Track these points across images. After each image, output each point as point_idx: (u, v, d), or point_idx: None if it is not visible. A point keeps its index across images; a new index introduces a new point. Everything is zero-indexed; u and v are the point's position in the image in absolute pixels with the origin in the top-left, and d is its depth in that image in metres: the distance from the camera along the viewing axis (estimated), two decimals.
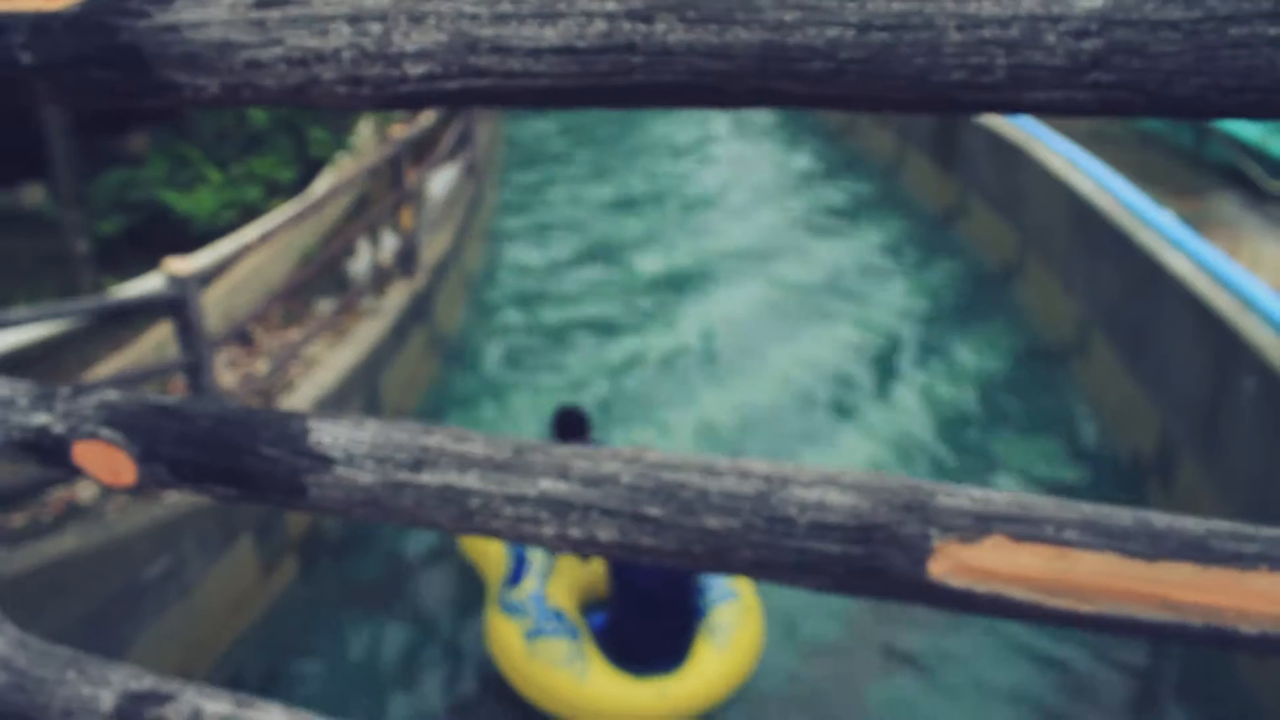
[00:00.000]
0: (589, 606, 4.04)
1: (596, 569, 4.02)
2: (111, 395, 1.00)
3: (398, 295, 5.78)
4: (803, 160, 11.68)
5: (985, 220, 8.41)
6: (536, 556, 3.96)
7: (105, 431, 0.98)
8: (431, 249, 6.62)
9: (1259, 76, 0.57)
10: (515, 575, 3.90)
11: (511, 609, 3.81)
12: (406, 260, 6.00)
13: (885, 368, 6.50)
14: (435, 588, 4.53)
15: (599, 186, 10.89)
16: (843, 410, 5.96)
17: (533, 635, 3.69)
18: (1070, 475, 5.29)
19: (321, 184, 6.88)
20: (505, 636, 3.76)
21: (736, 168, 11.54)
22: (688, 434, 5.73)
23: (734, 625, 3.73)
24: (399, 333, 5.54)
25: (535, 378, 6.38)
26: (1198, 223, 5.61)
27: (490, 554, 4.14)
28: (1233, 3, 0.57)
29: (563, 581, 3.91)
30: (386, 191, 6.43)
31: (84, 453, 0.99)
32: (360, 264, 6.47)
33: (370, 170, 5.87)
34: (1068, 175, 6.64)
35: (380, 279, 5.77)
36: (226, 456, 0.93)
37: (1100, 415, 5.80)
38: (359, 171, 5.68)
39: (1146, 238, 5.42)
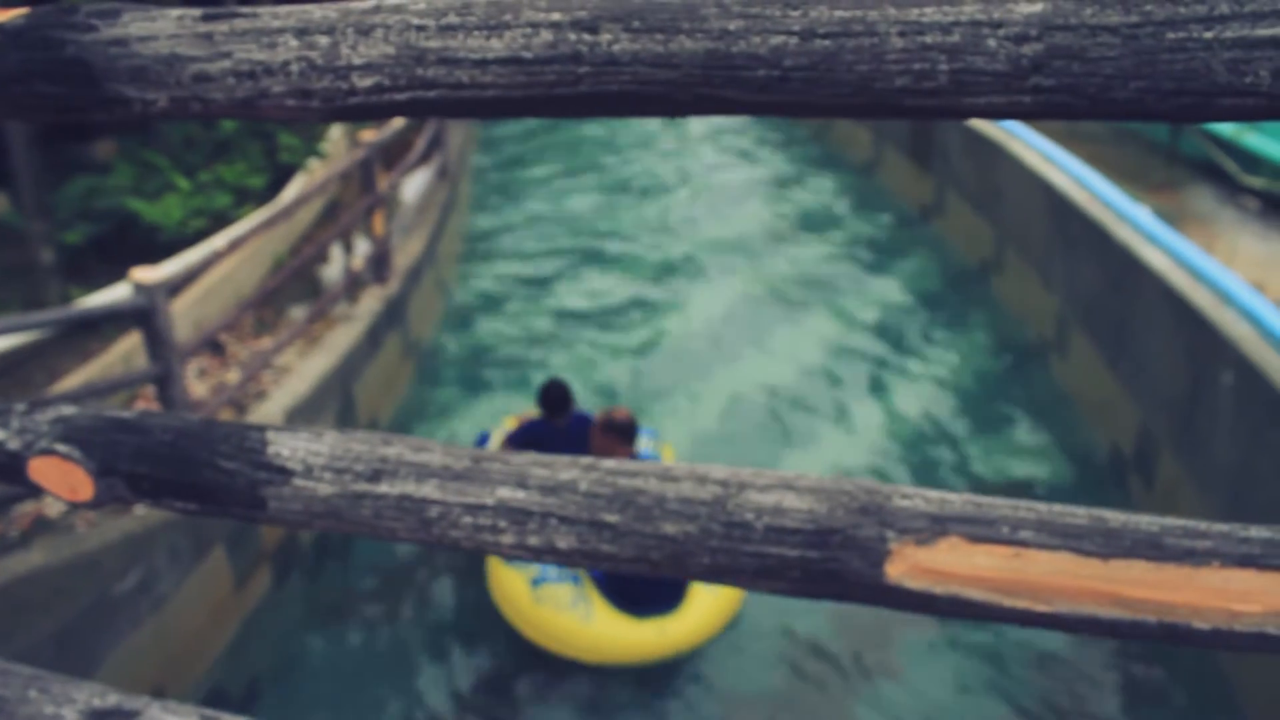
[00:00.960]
0: None
1: None
2: (68, 410, 0.99)
3: (371, 301, 5.74)
4: (779, 158, 11.70)
5: (962, 217, 8.44)
6: None
7: (61, 447, 0.97)
8: (405, 254, 6.58)
9: (1195, 80, 0.57)
10: None
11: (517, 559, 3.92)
12: (380, 266, 5.96)
13: (862, 366, 6.49)
14: (418, 584, 4.50)
15: (574, 188, 10.86)
16: (819, 409, 5.96)
17: (537, 583, 3.93)
18: (1050, 473, 5.29)
19: (292, 190, 6.82)
20: (511, 585, 3.98)
21: (712, 168, 11.55)
22: (664, 435, 5.73)
23: None
24: (373, 340, 5.51)
25: (513, 383, 6.35)
26: (1174, 217, 5.62)
27: None
28: (1169, 8, 0.58)
29: None
30: (358, 196, 6.39)
31: (40, 469, 0.98)
32: (333, 270, 6.42)
33: (341, 175, 5.83)
34: (1044, 171, 6.65)
35: (353, 285, 5.73)
36: (185, 470, 0.92)
37: (1080, 411, 5.80)
38: (330, 177, 5.64)
39: (1123, 233, 5.42)
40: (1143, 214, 5.50)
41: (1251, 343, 4.11)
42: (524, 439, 4.47)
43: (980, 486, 5.15)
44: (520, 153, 11.96)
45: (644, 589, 3.97)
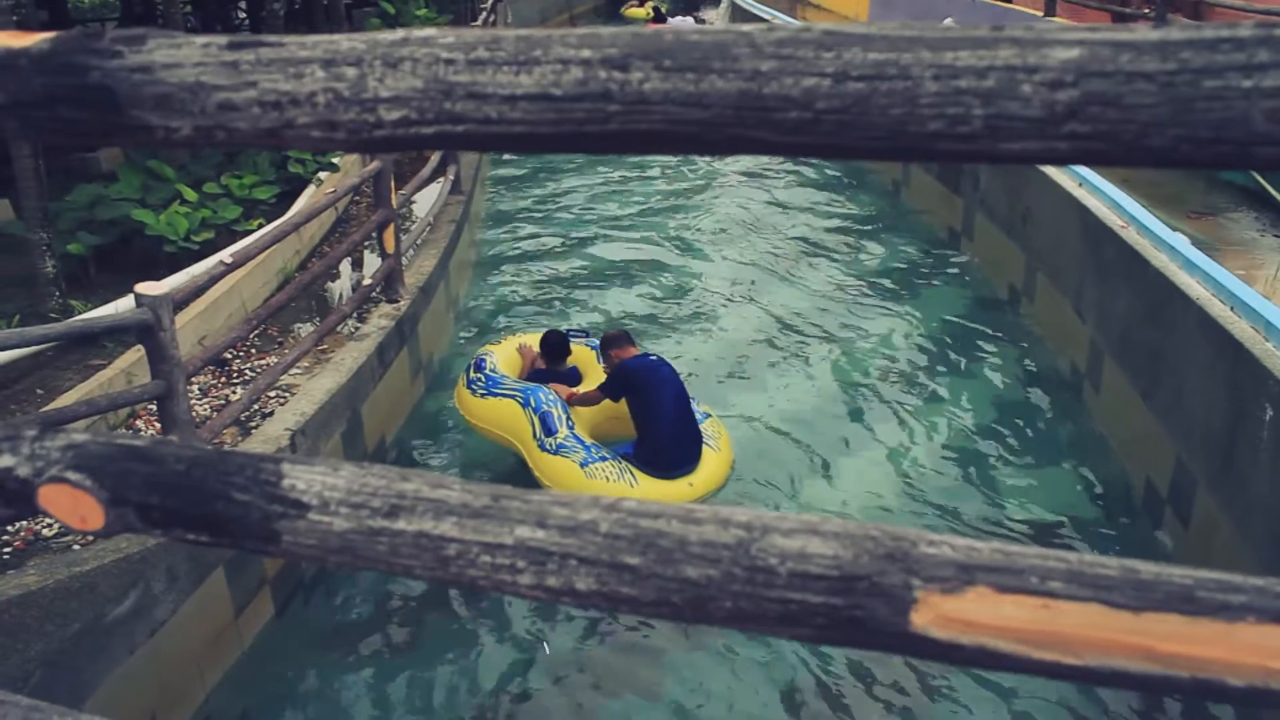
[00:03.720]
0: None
1: (600, 412, 5.28)
2: (79, 437, 0.98)
3: (380, 319, 5.73)
4: (805, 178, 11.65)
5: (992, 241, 8.27)
6: (555, 409, 5.07)
7: (72, 475, 0.96)
8: (417, 270, 6.58)
9: (1232, 128, 0.57)
10: (549, 428, 4.99)
11: (561, 449, 4.90)
12: (391, 283, 5.96)
13: (887, 395, 6.33)
14: (426, 611, 4.45)
15: (593, 203, 10.84)
16: (841, 438, 5.81)
17: (586, 464, 4.82)
18: (1081, 509, 5.12)
19: (302, 203, 6.83)
20: (563, 469, 4.83)
21: (736, 185, 11.51)
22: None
23: (716, 434, 5.19)
24: (382, 358, 5.48)
25: None
26: (1213, 245, 5.45)
27: (506, 422, 5.16)
28: (1205, 55, 0.57)
29: (584, 426, 5.15)
30: (370, 211, 6.40)
31: (50, 496, 0.97)
32: (342, 286, 6.43)
33: (353, 189, 5.84)
34: (1078, 195, 6.49)
35: (363, 302, 5.73)
36: (198, 501, 0.91)
37: (1113, 445, 5.63)
38: (341, 191, 5.65)
39: (1160, 261, 5.23)
40: (1180, 241, 5.33)
41: None
42: (532, 378, 5.47)
43: (1009, 521, 5.01)
44: (537, 166, 11.95)
45: (669, 457, 4.90)
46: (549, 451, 4.90)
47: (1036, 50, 0.60)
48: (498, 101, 0.66)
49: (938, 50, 0.60)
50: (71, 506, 0.95)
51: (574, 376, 5.54)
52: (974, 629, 0.67)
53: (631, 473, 4.80)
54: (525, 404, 5.12)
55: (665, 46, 0.63)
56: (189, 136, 0.79)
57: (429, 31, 0.69)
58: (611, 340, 5.20)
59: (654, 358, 5.14)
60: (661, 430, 4.88)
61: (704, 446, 4.99)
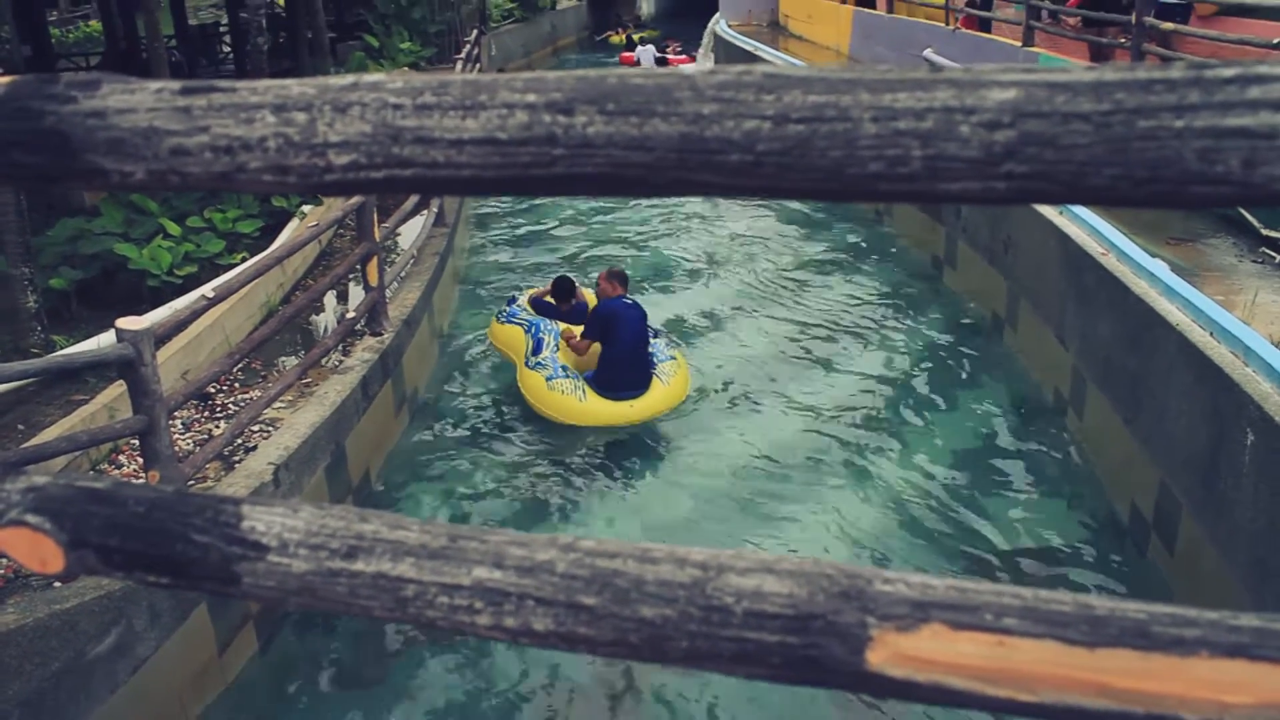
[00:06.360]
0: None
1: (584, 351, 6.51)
2: (40, 479, 0.97)
3: (364, 352, 5.72)
4: (786, 205, 11.68)
5: (975, 269, 8.31)
6: (547, 337, 6.47)
7: (32, 518, 0.95)
8: (400, 303, 6.57)
9: (1168, 168, 0.58)
10: (537, 348, 6.41)
11: (537, 366, 6.28)
12: (374, 316, 5.96)
13: (870, 424, 6.32)
14: (412, 647, 4.40)
15: (577, 235, 10.85)
16: (825, 469, 5.79)
17: (550, 379, 6.17)
18: (1068, 535, 5.10)
19: (286, 237, 6.83)
20: (534, 381, 6.25)
21: (717, 213, 11.54)
22: (663, 494, 5.63)
23: (672, 373, 6.32)
24: (365, 391, 5.46)
25: (509, 437, 6.28)
26: (1193, 271, 5.49)
27: (512, 342, 6.70)
28: (1140, 95, 0.58)
29: (565, 355, 6.47)
30: (353, 244, 6.40)
31: (9, 540, 0.96)
32: (326, 320, 6.41)
33: (336, 222, 5.84)
34: (1058, 223, 6.54)
35: (346, 335, 5.71)
36: (158, 544, 0.90)
37: (1097, 471, 5.62)
38: (325, 224, 5.66)
39: (1141, 287, 5.27)
40: (1160, 267, 5.36)
41: (1273, 401, 3.95)
42: (539, 308, 6.85)
43: (992, 550, 4.96)
44: (521, 199, 11.97)
45: (618, 382, 6.12)
46: (530, 367, 6.31)
47: (974, 92, 0.60)
48: (444, 146, 0.66)
49: (876, 92, 0.61)
50: (31, 549, 0.94)
51: (579, 310, 6.85)
52: (929, 667, 0.67)
53: (584, 389, 6.08)
54: (527, 331, 6.61)
55: (609, 90, 0.64)
56: (142, 181, 0.79)
57: (378, 77, 0.70)
58: (609, 274, 6.53)
59: (629, 300, 6.38)
60: (615, 360, 6.12)
61: (654, 379, 6.17)
